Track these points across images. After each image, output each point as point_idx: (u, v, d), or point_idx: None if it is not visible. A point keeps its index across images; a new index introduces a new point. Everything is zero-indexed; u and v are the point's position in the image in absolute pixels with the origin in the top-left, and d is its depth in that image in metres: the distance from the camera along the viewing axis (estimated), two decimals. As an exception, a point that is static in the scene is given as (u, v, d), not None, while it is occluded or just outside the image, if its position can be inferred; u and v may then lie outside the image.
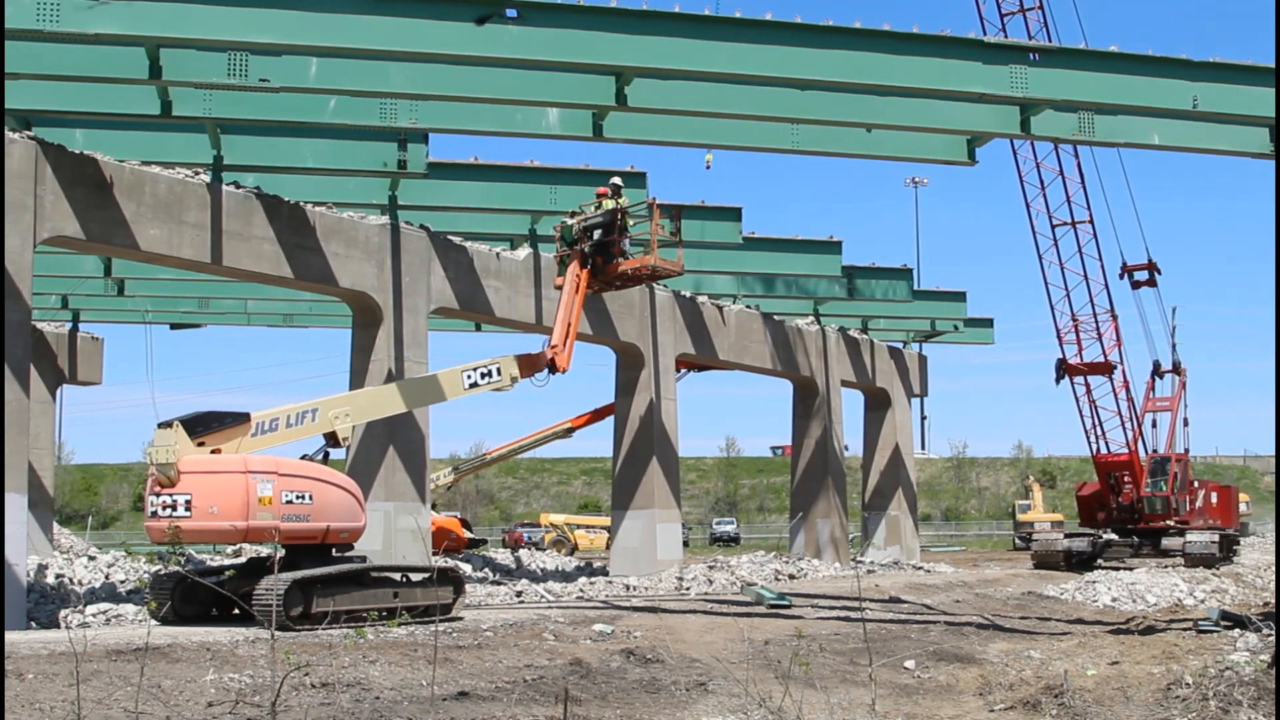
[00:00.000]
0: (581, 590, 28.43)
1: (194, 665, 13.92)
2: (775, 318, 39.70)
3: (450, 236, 29.09)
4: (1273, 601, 27.40)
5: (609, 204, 24.43)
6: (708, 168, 26.66)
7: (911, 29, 19.77)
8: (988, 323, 47.29)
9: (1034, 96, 20.44)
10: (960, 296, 43.59)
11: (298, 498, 18.50)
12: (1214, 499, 44.33)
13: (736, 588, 28.17)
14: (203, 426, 18.58)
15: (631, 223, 24.42)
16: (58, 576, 25.63)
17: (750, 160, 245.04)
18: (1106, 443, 40.98)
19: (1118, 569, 38.12)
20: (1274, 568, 39.18)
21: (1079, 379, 40.36)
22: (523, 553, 46.20)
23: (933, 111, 21.51)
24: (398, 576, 20.25)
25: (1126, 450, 40.82)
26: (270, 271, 25.38)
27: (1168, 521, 41.12)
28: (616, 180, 25.20)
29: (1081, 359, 39.97)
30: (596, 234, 24.24)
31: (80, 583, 25.47)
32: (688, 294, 36.08)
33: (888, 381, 45.31)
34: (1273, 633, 18.47)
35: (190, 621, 18.46)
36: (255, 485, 18.01)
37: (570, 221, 24.72)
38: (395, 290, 27.30)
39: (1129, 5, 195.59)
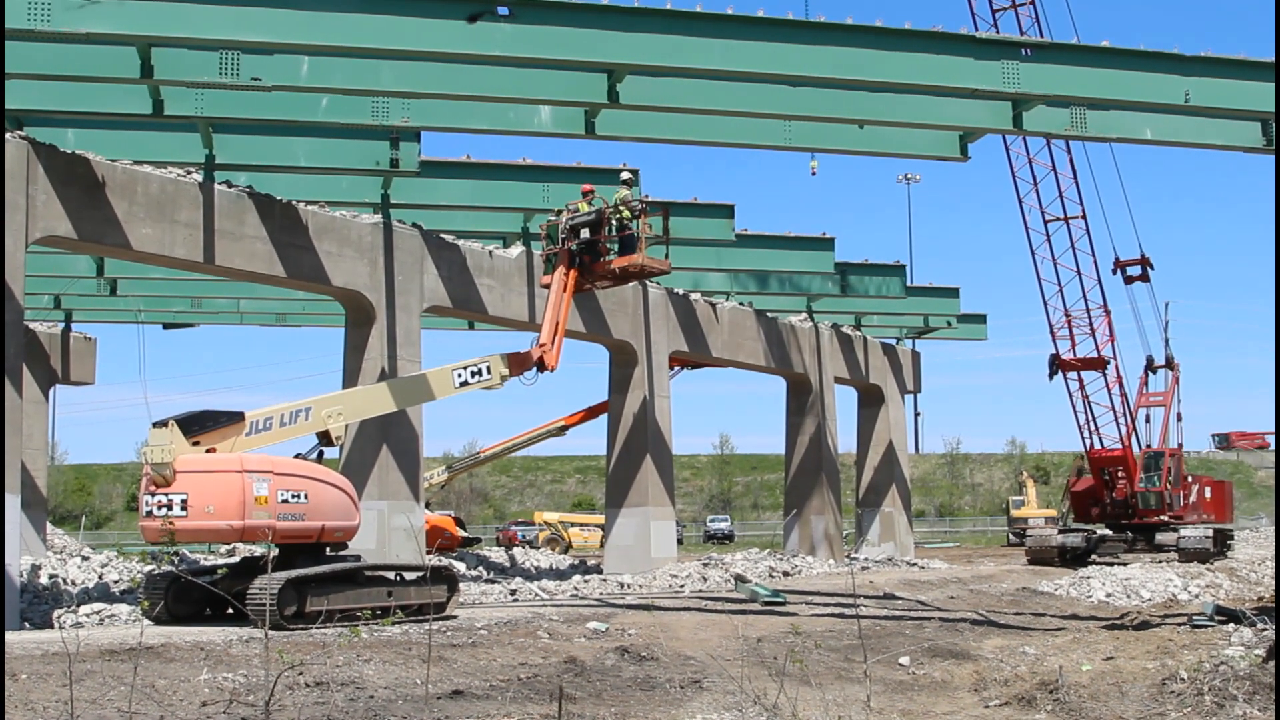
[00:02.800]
0: (576, 588, 28.44)
1: (188, 665, 13.90)
2: (768, 315, 39.70)
3: (443, 235, 29.06)
4: (1266, 596, 27.46)
5: (622, 193, 24.36)
6: (813, 174, 26.69)
7: (903, 25, 19.78)
8: (981, 319, 47.35)
9: (1026, 92, 20.44)
10: (953, 292, 43.65)
11: (293, 497, 18.49)
12: (1208, 494, 44.40)
13: (730, 585, 28.18)
14: (198, 426, 18.56)
15: (629, 215, 24.29)
16: (51, 577, 25.58)
17: (742, 157, 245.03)
18: (1100, 438, 41.03)
19: (1112, 564, 38.20)
20: (1272, 562, 39.26)
21: (1072, 374, 40.38)
22: (517, 551, 46.16)
23: (925, 107, 21.52)
24: (392, 575, 20.23)
25: (1120, 445, 40.87)
26: (263, 271, 25.34)
27: (1162, 516, 41.19)
28: (626, 174, 25.09)
29: (1075, 354, 39.98)
30: (584, 232, 24.21)
31: (74, 583, 25.43)
32: (681, 291, 36.07)
33: (881, 378, 45.32)
34: (1267, 627, 18.50)
35: (184, 621, 18.44)
36: (251, 484, 17.99)
37: (557, 220, 24.70)
38: (388, 289, 27.26)
39: (1120, 0, 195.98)
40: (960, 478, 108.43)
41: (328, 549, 19.48)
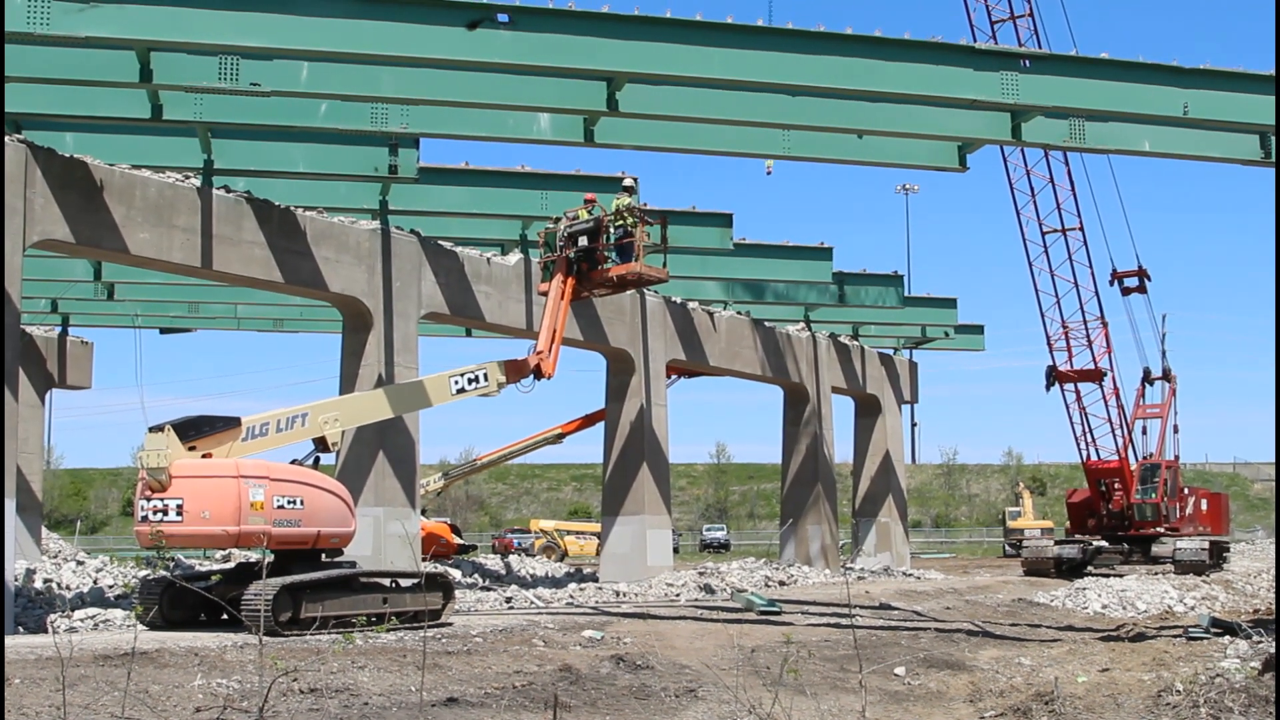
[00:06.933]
0: (571, 596, 28.37)
1: (182, 670, 13.86)
2: (766, 324, 39.68)
3: (441, 242, 29.04)
4: (1263, 608, 27.45)
5: (624, 200, 24.29)
6: (768, 173, 26.58)
7: (903, 35, 19.80)
8: (978, 329, 47.30)
9: (1025, 103, 20.47)
10: (951, 303, 43.62)
11: (289, 503, 18.46)
12: (1204, 506, 44.39)
13: (727, 594, 28.14)
14: (194, 431, 18.53)
15: (630, 222, 24.23)
16: (45, 581, 25.51)
17: (741, 166, 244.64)
18: (1097, 449, 41.04)
19: (1108, 576, 38.18)
20: (1268, 574, 39.23)
21: (1069, 386, 40.42)
22: (512, 559, 45.98)
23: (924, 118, 21.54)
24: (387, 582, 20.19)
25: (1117, 457, 40.88)
26: (260, 276, 25.31)
27: (1158, 528, 41.18)
28: (629, 182, 25.01)
29: (1072, 366, 40.03)
30: (582, 240, 24.16)
31: (68, 587, 25.36)
32: (678, 300, 36.06)
33: (878, 388, 45.30)
34: (1263, 639, 18.49)
35: (178, 627, 18.40)
36: (247, 490, 17.96)
37: (555, 227, 24.67)
38: (385, 295, 27.24)
39: (1119, 13, 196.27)
40: (957, 488, 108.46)
41: (323, 555, 19.45)
